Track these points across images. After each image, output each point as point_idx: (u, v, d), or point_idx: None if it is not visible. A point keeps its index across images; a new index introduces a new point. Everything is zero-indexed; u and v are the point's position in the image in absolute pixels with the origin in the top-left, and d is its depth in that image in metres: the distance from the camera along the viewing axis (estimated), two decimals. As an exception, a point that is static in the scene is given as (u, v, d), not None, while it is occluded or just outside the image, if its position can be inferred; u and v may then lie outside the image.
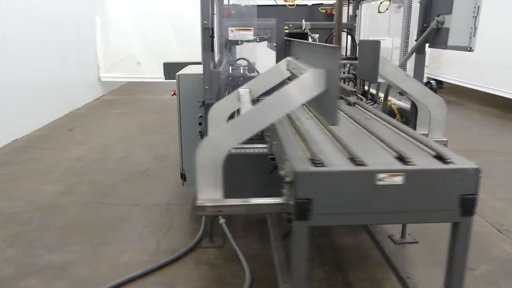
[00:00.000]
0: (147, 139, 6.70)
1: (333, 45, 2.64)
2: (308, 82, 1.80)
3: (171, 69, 5.00)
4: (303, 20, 4.43)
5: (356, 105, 3.05)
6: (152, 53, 10.73)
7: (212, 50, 3.09)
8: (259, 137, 3.15)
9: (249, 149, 2.82)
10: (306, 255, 1.77)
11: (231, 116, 2.80)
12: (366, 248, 3.48)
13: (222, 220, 3.37)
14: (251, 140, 2.66)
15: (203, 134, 3.73)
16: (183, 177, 3.93)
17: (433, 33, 3.00)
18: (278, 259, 2.65)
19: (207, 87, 3.16)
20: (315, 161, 1.71)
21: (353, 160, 1.74)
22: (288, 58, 2.65)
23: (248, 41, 3.12)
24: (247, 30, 3.07)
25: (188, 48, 10.43)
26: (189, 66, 4.53)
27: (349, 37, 4.22)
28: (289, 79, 2.69)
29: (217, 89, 3.19)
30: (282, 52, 3.07)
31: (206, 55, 3.10)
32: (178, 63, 5.09)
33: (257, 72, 3.69)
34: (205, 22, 3.04)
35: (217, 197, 1.96)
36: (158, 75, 10.95)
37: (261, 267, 3.14)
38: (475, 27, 2.75)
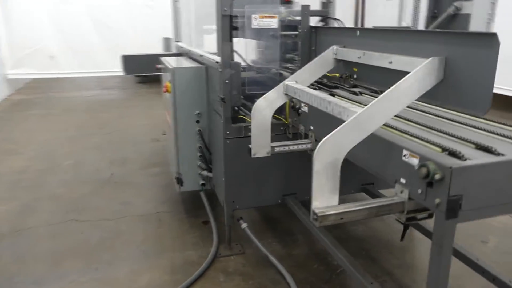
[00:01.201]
0: (91, 142, 6.00)
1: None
2: (429, 72, 1.68)
3: (131, 62, 4.53)
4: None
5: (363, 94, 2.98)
6: (67, 45, 9.67)
7: (231, 40, 2.79)
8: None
9: (293, 146, 2.61)
10: (451, 254, 1.66)
11: (278, 111, 2.57)
12: (381, 235, 3.50)
13: (244, 225, 3.14)
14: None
15: (203, 133, 3.41)
16: (179, 181, 3.56)
17: (446, 20, 3.05)
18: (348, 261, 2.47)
19: (227, 81, 2.86)
20: (456, 155, 1.60)
21: (486, 149, 1.66)
22: (335, 47, 2.49)
23: (272, 29, 2.87)
24: (272, 17, 2.82)
25: (111, 40, 9.62)
26: (166, 58, 4.10)
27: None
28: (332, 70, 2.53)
29: (239, 83, 2.91)
30: (307, 41, 2.88)
31: (225, 46, 2.79)
32: (139, 55, 4.64)
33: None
34: (225, 8, 2.73)
35: (334, 203, 1.75)
36: (75, 69, 9.99)
37: (295, 269, 2.97)
38: (494, 13, 2.85)
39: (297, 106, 2.71)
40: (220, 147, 3.04)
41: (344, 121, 1.72)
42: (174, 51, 5.54)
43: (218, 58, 2.97)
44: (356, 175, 3.37)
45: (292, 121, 2.88)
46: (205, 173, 3.54)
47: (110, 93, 10.09)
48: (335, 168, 1.72)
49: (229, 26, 2.78)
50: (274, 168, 3.12)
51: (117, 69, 10.12)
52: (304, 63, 2.94)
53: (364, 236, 3.47)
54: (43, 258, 3.16)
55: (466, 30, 2.91)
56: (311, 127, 2.63)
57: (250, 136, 2.93)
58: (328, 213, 1.70)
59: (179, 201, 4.06)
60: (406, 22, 3.19)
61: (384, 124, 1.82)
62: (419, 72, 1.72)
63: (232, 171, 3.02)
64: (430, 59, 1.73)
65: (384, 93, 1.68)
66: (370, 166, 1.99)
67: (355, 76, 2.42)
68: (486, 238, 3.44)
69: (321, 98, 2.03)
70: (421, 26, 3.28)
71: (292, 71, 3.03)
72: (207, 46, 4.17)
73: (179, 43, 5.26)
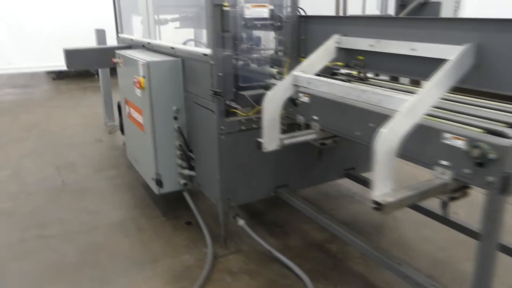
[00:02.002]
0: (25, 148, 5.39)
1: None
2: (465, 58, 1.76)
3: (75, 57, 4.16)
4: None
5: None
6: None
7: (227, 30, 2.65)
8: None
9: (301, 136, 2.57)
10: (501, 227, 1.77)
11: (292, 103, 2.50)
12: (365, 217, 3.64)
13: (241, 221, 3.06)
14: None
15: (182, 130, 3.24)
16: (158, 183, 3.35)
17: (416, 8, 3.21)
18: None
19: (220, 74, 2.72)
20: (502, 134, 1.69)
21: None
22: (337, 36, 2.48)
23: (263, 19, 2.77)
24: (263, 6, 2.72)
25: (21, 34, 8.67)
26: (126, 51, 3.79)
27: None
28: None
29: (232, 76, 2.78)
30: (295, 31, 2.83)
31: (217, 37, 2.65)
32: (84, 49, 4.27)
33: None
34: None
35: (389, 190, 1.76)
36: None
37: (297, 260, 2.96)
38: (460, 1, 3.07)
39: (294, 97, 2.68)
40: (212, 143, 2.90)
41: (373, 110, 1.73)
42: (114, 43, 5.15)
43: (205, 50, 2.81)
44: (338, 161, 3.44)
45: (286, 112, 2.85)
46: (186, 172, 3.37)
47: (26, 91, 9.11)
48: (392, 157, 1.72)
49: (221, 16, 2.64)
50: (266, 161, 3.07)
51: (29, 65, 9.23)
52: (293, 53, 2.93)
53: (351, 220, 3.58)
54: (21, 284, 2.78)
55: (437, 17, 3.08)
56: (314, 117, 2.61)
57: (243, 130, 2.88)
58: (389, 200, 1.71)
59: (151, 204, 3.82)
60: (379, 10, 3.30)
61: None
62: (457, 58, 1.79)
63: (227, 168, 2.91)
64: (466, 45, 1.81)
65: (432, 80, 1.72)
66: (403, 151, 2.02)
67: (361, 65, 2.45)
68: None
69: (351, 87, 2.02)
70: (390, 14, 3.43)
71: (279, 62, 2.99)
72: (175, 37, 3.95)
73: (124, 35, 4.89)
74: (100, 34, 5.95)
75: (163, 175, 3.35)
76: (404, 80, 2.97)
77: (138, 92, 3.34)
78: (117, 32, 5.05)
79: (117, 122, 6.13)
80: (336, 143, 2.76)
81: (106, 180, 4.37)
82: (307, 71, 2.43)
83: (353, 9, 3.69)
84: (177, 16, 4.28)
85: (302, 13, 2.93)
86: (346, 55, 2.53)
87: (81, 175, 4.51)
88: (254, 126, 2.94)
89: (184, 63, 3.20)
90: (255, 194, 3.13)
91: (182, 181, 3.39)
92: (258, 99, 2.96)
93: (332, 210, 3.71)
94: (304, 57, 2.92)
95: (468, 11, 3.27)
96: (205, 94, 2.90)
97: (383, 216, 3.65)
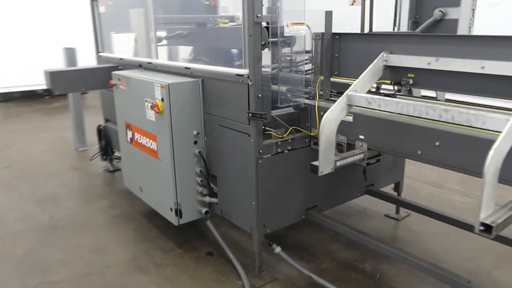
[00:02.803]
0: (-9, 181, 4.83)
1: None
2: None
3: (60, 79, 3.83)
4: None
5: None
6: None
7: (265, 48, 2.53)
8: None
9: (351, 157, 2.49)
10: None
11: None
12: (382, 231, 3.62)
13: (278, 249, 2.91)
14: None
15: (203, 155, 3.06)
16: (178, 213, 3.11)
17: (431, 25, 3.28)
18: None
19: (260, 95, 2.58)
20: None
21: None
22: (385, 54, 2.44)
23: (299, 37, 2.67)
24: (301, 24, 2.63)
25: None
26: (128, 72, 3.53)
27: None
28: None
29: (269, 97, 2.65)
30: (329, 48, 2.76)
31: (257, 56, 2.51)
32: (69, 71, 3.96)
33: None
34: (258, 15, 2.46)
35: (491, 211, 1.72)
36: None
37: (337, 283, 2.85)
38: (473, 18, 3.19)
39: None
40: (247, 168, 2.74)
41: (441, 128, 1.70)
42: (90, 63, 4.81)
43: (239, 70, 2.66)
44: (360, 179, 3.40)
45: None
46: (207, 199, 3.16)
47: (-31, 117, 8.26)
48: (496, 178, 1.69)
49: (260, 35, 2.51)
50: (297, 183, 2.96)
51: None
52: (326, 72, 2.86)
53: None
54: None
55: (455, 33, 3.17)
56: (360, 137, 2.56)
57: (278, 153, 2.76)
58: (498, 222, 1.67)
59: (161, 236, 3.54)
60: (401, 28, 3.34)
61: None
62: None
63: (265, 193, 2.75)
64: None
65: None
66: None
67: (411, 82, 2.43)
68: None
69: (430, 107, 1.97)
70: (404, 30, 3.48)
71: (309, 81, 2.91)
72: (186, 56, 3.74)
73: (107, 54, 4.57)
74: (70, 53, 5.54)
75: (183, 204, 3.12)
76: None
77: (151, 116, 3.10)
78: (97, 51, 4.71)
79: (92, 147, 5.71)
80: (379, 162, 2.72)
81: (99, 213, 4.00)
82: (360, 91, 2.37)
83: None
84: (172, 34, 4.07)
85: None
86: (392, 73, 2.50)
87: (69, 208, 4.09)
88: (288, 148, 2.83)
89: (204, 83, 3.02)
90: (288, 219, 3.00)
91: (203, 209, 3.17)
92: (287, 120, 2.87)
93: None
94: (338, 75, 2.88)
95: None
96: (237, 116, 2.74)
97: (400, 231, 3.66)
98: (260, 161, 2.68)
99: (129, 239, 3.51)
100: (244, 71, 2.61)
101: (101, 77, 4.12)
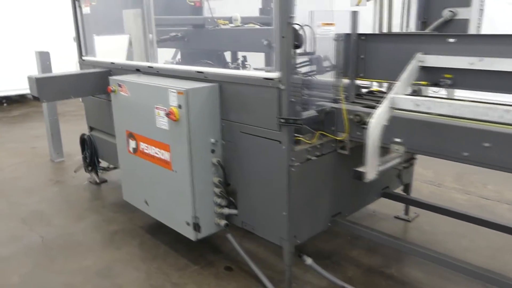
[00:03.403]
0: (-39, 200, 4.37)
1: None
2: None
3: (49, 86, 3.54)
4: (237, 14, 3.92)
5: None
6: None
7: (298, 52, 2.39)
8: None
9: (391, 161, 2.40)
10: None
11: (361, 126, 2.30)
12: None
13: (309, 260, 2.78)
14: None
15: (223, 165, 2.88)
16: (196, 227, 2.90)
17: (441, 24, 3.27)
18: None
19: (292, 100, 2.44)
20: None
21: None
22: (420, 55, 2.37)
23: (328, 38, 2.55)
24: (330, 25, 2.51)
25: None
26: (130, 77, 3.28)
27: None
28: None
29: (300, 101, 2.52)
30: (355, 50, 2.66)
31: (290, 59, 2.37)
32: (57, 76, 3.65)
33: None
34: (291, 15, 2.32)
35: None
36: None
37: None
38: (482, 19, 3.21)
39: (366, 120, 2.52)
40: (277, 177, 2.59)
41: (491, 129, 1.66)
42: (67, 67, 4.48)
43: (268, 74, 2.51)
44: (377, 182, 3.33)
45: (349, 136, 2.67)
46: (226, 210, 2.97)
47: None
48: None
49: (293, 37, 2.37)
50: (324, 190, 2.85)
51: None
52: (352, 74, 2.76)
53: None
54: None
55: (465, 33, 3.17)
56: (397, 139, 2.48)
57: (308, 160, 2.63)
58: None
59: (171, 252, 3.31)
60: (410, 28, 3.30)
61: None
62: None
63: (296, 202, 2.62)
64: None
65: None
66: None
67: (449, 83, 2.37)
68: None
69: (489, 108, 1.92)
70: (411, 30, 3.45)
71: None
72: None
73: (93, 59, 4.26)
74: (44, 57, 5.14)
75: (200, 218, 2.91)
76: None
77: (163, 124, 2.87)
78: (80, 55, 4.38)
79: (70, 158, 5.35)
80: (412, 165, 2.65)
81: (96, 229, 3.70)
82: (401, 93, 2.29)
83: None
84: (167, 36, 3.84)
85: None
86: (428, 74, 2.44)
87: (61, 227, 3.76)
88: (317, 154, 2.70)
89: (221, 88, 2.83)
90: (317, 227, 2.88)
91: (222, 222, 2.98)
92: (309, 124, 2.75)
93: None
94: (363, 77, 2.79)
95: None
96: (264, 122, 2.59)
97: (414, 232, 3.64)
98: (293, 169, 2.54)
99: (137, 257, 3.25)
100: (274, 75, 2.46)
101: (91, 83, 3.84)
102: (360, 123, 2.57)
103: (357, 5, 3.41)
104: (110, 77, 3.35)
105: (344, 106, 2.67)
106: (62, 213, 4.02)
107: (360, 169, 2.24)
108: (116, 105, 3.38)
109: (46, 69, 5.13)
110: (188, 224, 2.93)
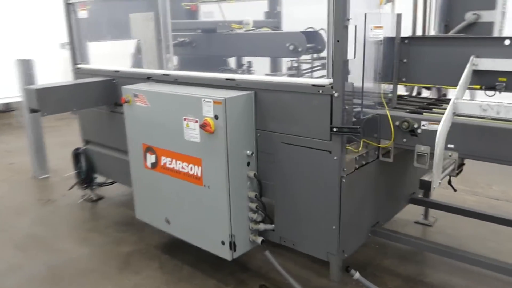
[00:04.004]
0: None
1: None
2: None
3: (50, 97, 3.26)
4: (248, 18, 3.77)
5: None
6: None
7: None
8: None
9: (448, 168, 2.32)
10: None
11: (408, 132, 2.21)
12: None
13: (357, 274, 2.66)
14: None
15: (259, 178, 2.71)
16: (232, 246, 2.71)
17: (465, 27, 3.25)
18: None
19: (346, 107, 2.31)
20: None
21: None
22: (474, 58, 2.31)
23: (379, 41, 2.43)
24: (379, 28, 2.39)
25: None
26: (145, 86, 3.04)
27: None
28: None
29: (352, 108, 2.39)
30: (398, 54, 2.57)
31: (344, 64, 2.24)
32: (59, 86, 3.36)
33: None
34: (348, 18, 2.19)
35: None
36: None
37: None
38: (504, 22, 3.24)
39: (415, 126, 2.44)
40: (325, 189, 2.45)
41: None
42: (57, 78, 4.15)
43: (317, 81, 2.37)
44: (404, 189, 3.28)
45: (394, 143, 2.58)
46: (262, 226, 2.80)
47: None
48: None
49: (348, 39, 2.24)
50: (367, 200, 2.74)
51: None
52: (395, 78, 2.68)
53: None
54: None
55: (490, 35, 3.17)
56: (450, 146, 2.40)
57: (356, 169, 2.51)
58: None
59: (196, 273, 3.08)
60: (435, 31, 3.27)
61: None
62: None
63: (345, 215, 2.48)
64: None
65: None
66: None
67: (503, 86, 2.33)
68: None
69: None
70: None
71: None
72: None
73: (90, 66, 3.95)
74: (26, 66, 4.74)
75: (236, 235, 2.72)
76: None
77: (194, 136, 2.66)
78: (75, 63, 4.05)
79: (55, 174, 4.96)
80: (462, 171, 2.59)
81: (106, 252, 3.39)
82: (461, 98, 2.22)
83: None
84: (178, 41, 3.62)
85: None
86: (480, 78, 2.39)
87: (65, 252, 3.42)
88: (363, 163, 2.59)
89: (256, 96, 2.66)
90: (360, 239, 2.77)
91: (258, 239, 2.79)
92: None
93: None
94: (405, 82, 2.71)
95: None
96: (311, 132, 2.45)
97: (439, 236, 3.59)
98: (344, 180, 2.40)
99: (159, 281, 2.99)
100: (326, 81, 2.32)
101: (94, 93, 3.55)
102: (408, 130, 2.48)
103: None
104: (124, 87, 3.08)
105: (388, 112, 2.57)
106: (62, 236, 3.67)
107: (427, 178, 2.15)
108: (131, 117, 3.11)
109: (28, 79, 4.74)
110: (223, 243, 2.72)
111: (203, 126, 2.54)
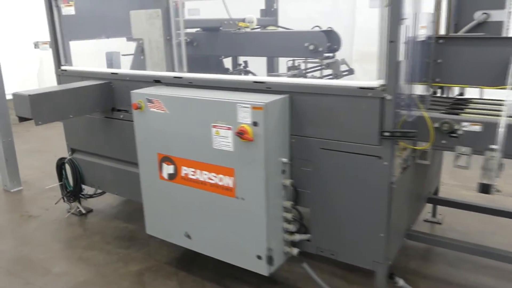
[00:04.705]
0: None
1: None
2: None
3: (44, 104, 2.96)
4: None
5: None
6: None
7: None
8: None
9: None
10: None
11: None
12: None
13: (401, 281, 2.60)
14: None
15: (296, 187, 2.58)
16: (269, 260, 2.54)
17: (474, 27, 3.27)
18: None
19: (397, 111, 2.21)
20: None
21: None
22: (518, 58, 2.30)
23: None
24: (424, 28, 2.30)
25: None
26: (160, 89, 2.79)
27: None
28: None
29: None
30: (432, 54, 2.50)
31: (397, 65, 2.14)
32: (52, 92, 3.05)
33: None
34: (403, 18, 2.08)
35: None
36: None
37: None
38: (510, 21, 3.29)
39: (455, 127, 2.40)
40: (372, 196, 2.35)
41: None
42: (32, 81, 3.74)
43: (366, 83, 2.25)
44: (425, 190, 3.27)
45: (432, 145, 2.53)
46: (298, 237, 2.65)
47: None
48: None
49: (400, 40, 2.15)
50: (404, 203, 2.68)
51: None
52: (428, 79, 2.62)
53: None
54: None
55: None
56: (492, 146, 2.38)
57: (401, 173, 2.44)
58: None
59: (220, 288, 2.88)
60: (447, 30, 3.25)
61: None
62: None
63: (393, 221, 2.40)
64: None
65: None
66: None
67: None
68: None
69: None
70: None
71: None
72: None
73: (75, 69, 3.59)
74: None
75: (273, 248, 2.55)
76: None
77: (225, 145, 2.45)
78: (59, 64, 3.66)
79: (28, 186, 4.53)
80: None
81: (113, 273, 3.09)
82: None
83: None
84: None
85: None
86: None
87: (64, 274, 3.07)
88: (404, 166, 2.52)
89: (291, 100, 2.50)
90: (398, 243, 2.69)
91: (294, 250, 2.65)
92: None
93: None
94: (439, 82, 2.66)
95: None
96: (357, 137, 2.34)
97: (452, 234, 3.60)
98: (394, 186, 2.31)
99: (182, 301, 2.77)
100: (375, 83, 2.21)
101: (91, 99, 3.22)
102: (449, 131, 2.43)
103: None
104: (134, 91, 2.80)
105: (425, 114, 2.50)
106: (56, 257, 3.31)
107: (486, 181, 2.10)
108: (142, 125, 2.84)
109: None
110: (259, 257, 2.54)
111: (240, 134, 2.34)
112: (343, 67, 3.90)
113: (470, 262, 3.10)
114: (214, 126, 2.48)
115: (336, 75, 3.89)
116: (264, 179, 2.39)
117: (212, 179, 2.60)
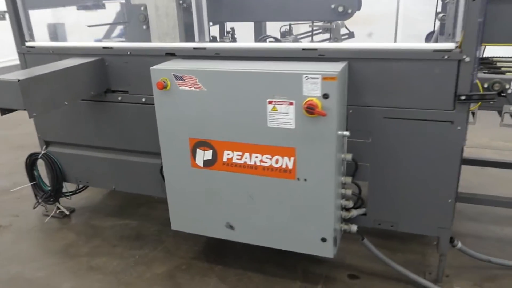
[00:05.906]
0: None
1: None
2: None
3: (37, 91, 2.50)
4: None
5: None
6: None
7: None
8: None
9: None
10: None
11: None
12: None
13: (459, 244, 2.60)
14: None
15: (356, 161, 2.45)
16: (335, 241, 2.39)
17: None
18: None
19: (474, 73, 2.12)
20: None
21: None
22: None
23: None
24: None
25: None
26: (189, 63, 2.40)
27: None
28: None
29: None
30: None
31: (477, 25, 2.03)
32: (44, 75, 2.54)
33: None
34: (486, -28, 1.96)
35: None
36: None
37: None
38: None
39: (506, 87, 2.41)
40: (447, 162, 2.27)
41: None
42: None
43: (441, 45, 2.12)
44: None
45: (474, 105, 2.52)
46: (355, 212, 2.52)
47: None
48: None
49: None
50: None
51: None
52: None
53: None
54: None
55: None
56: (541, 103, 2.44)
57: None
58: None
59: (267, 278, 2.66)
60: None
61: None
62: None
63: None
64: None
65: None
66: None
67: None
68: None
69: None
70: None
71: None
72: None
73: (46, 44, 2.97)
74: None
75: (336, 228, 2.40)
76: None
77: (287, 122, 2.19)
78: (22, 41, 2.99)
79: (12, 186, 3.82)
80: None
81: (140, 281, 2.69)
82: None
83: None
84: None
85: None
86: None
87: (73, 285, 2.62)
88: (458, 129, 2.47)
89: (350, 68, 2.29)
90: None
91: (352, 227, 2.51)
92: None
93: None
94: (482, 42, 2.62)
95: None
96: (428, 103, 2.21)
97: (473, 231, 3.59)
98: (464, 149, 2.26)
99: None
100: (451, 45, 2.09)
101: (85, 80, 2.69)
102: (499, 91, 2.43)
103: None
104: (154, 67, 2.35)
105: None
106: (61, 271, 2.79)
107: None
108: (168, 107, 2.42)
109: None
110: (323, 240, 2.36)
111: (310, 109, 2.08)
112: (343, 31, 3.75)
113: (486, 214, 3.25)
114: (270, 102, 2.19)
115: (336, 39, 3.73)
116: (333, 156, 2.19)
117: (265, 162, 2.32)
